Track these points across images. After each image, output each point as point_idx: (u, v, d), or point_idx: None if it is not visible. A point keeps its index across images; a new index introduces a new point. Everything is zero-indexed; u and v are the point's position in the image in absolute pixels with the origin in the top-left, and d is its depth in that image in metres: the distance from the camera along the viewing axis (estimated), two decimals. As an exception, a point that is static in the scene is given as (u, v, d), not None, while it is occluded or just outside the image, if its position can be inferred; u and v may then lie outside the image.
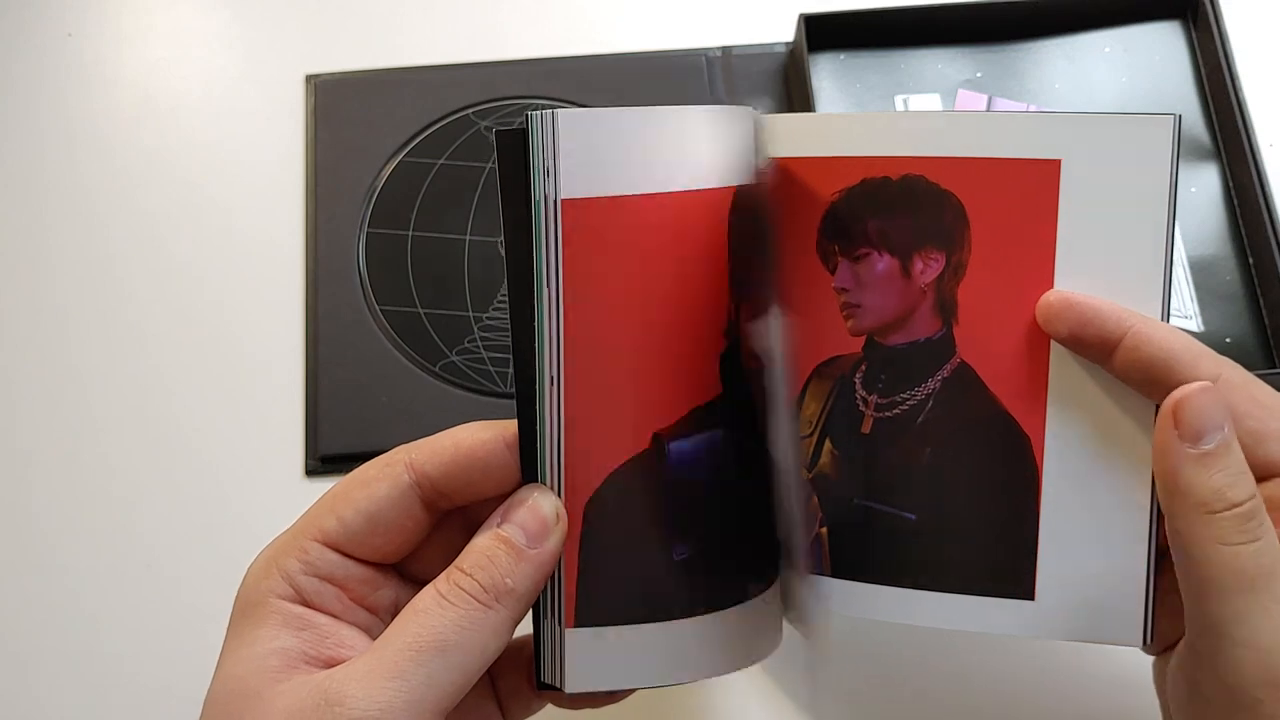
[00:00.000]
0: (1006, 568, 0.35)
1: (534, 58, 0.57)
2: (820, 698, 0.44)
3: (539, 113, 0.31)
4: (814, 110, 0.52)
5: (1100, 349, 0.34)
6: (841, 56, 0.55)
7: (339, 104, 0.56)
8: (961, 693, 0.44)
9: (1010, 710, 0.44)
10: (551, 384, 0.32)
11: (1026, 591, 0.35)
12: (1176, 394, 0.31)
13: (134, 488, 0.50)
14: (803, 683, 0.44)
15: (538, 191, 0.32)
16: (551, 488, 0.33)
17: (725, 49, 0.57)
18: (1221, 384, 0.32)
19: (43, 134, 0.57)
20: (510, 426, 0.33)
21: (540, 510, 0.32)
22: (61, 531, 0.49)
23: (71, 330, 0.53)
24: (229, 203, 0.55)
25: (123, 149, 0.56)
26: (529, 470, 0.33)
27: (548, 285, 0.32)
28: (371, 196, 0.54)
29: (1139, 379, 0.34)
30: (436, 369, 0.51)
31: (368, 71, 0.57)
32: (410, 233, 0.53)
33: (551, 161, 0.31)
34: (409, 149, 0.55)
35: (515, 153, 0.32)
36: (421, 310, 0.52)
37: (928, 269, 0.35)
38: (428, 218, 0.53)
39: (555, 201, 0.32)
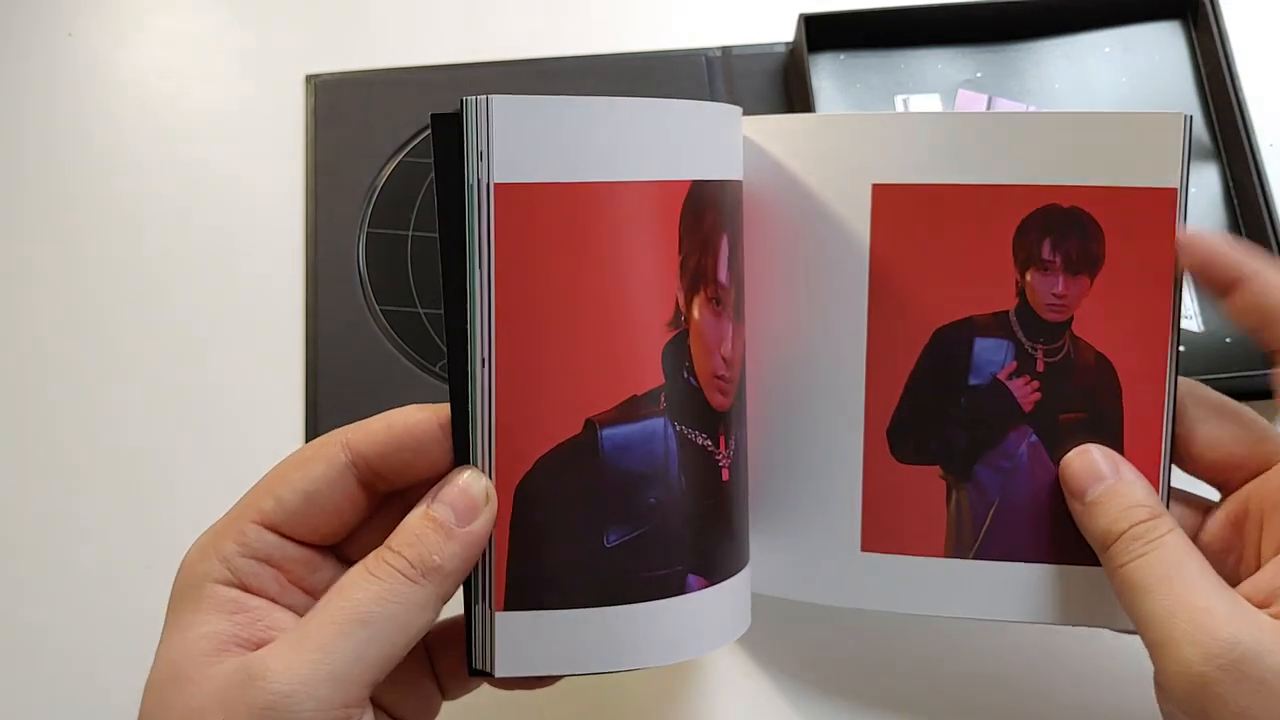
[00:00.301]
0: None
1: (533, 58, 0.57)
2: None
3: (474, 97, 0.32)
4: (814, 111, 0.52)
5: (1217, 288, 0.35)
6: (841, 56, 0.55)
7: (339, 104, 0.56)
8: (959, 688, 0.44)
9: (1011, 705, 0.44)
10: (483, 366, 0.33)
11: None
12: (1063, 461, 0.36)
13: (134, 488, 0.50)
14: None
15: (470, 175, 0.32)
16: (483, 469, 0.33)
17: (725, 49, 0.57)
18: None
19: (42, 134, 0.57)
20: (445, 409, 0.33)
21: (469, 490, 0.32)
22: (62, 531, 0.49)
23: (69, 330, 0.53)
24: (229, 202, 0.55)
25: (122, 149, 0.56)
26: (461, 452, 0.33)
27: (480, 268, 0.32)
28: (371, 196, 0.54)
29: (1250, 324, 0.35)
30: (436, 369, 0.51)
31: (368, 71, 0.57)
32: (410, 233, 0.53)
33: (485, 145, 0.32)
34: (409, 149, 0.55)
35: (450, 135, 0.32)
36: (421, 310, 0.52)
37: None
38: (428, 218, 0.53)
39: (488, 185, 0.32)
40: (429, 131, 0.55)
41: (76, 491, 0.50)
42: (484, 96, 0.32)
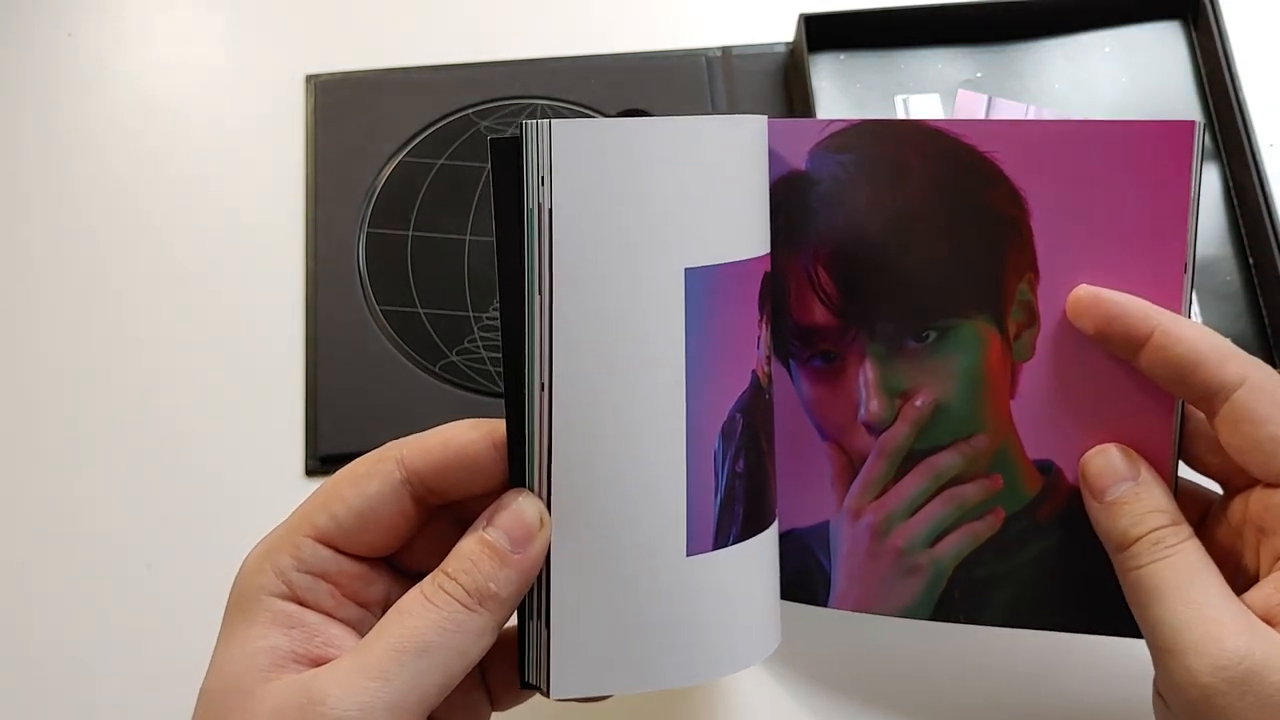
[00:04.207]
0: None
1: (534, 58, 0.57)
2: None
3: (534, 121, 0.32)
4: (814, 112, 0.52)
5: (1127, 345, 0.35)
6: (841, 56, 0.55)
7: (339, 104, 0.56)
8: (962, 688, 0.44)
9: (1014, 706, 0.44)
10: (541, 390, 0.32)
11: None
12: (1083, 459, 0.36)
13: (134, 487, 0.50)
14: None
15: (531, 200, 0.32)
16: (538, 493, 0.33)
17: (725, 49, 0.57)
18: (1248, 387, 0.33)
19: (43, 134, 0.57)
20: (498, 427, 0.33)
21: (524, 515, 0.32)
22: (62, 531, 0.49)
23: (71, 330, 0.53)
24: (229, 203, 0.55)
25: (122, 149, 0.56)
26: (516, 474, 0.33)
27: (539, 293, 0.32)
28: (371, 196, 0.54)
29: (1165, 377, 0.34)
30: (436, 369, 0.51)
31: (368, 71, 0.57)
32: (410, 233, 0.53)
33: (547, 171, 0.32)
34: (409, 149, 0.55)
35: (509, 161, 0.32)
36: (421, 310, 0.52)
37: None
38: (428, 218, 0.53)
39: (549, 210, 0.32)
40: (429, 132, 0.55)
41: (76, 491, 0.50)
42: (545, 121, 0.31)
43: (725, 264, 0.33)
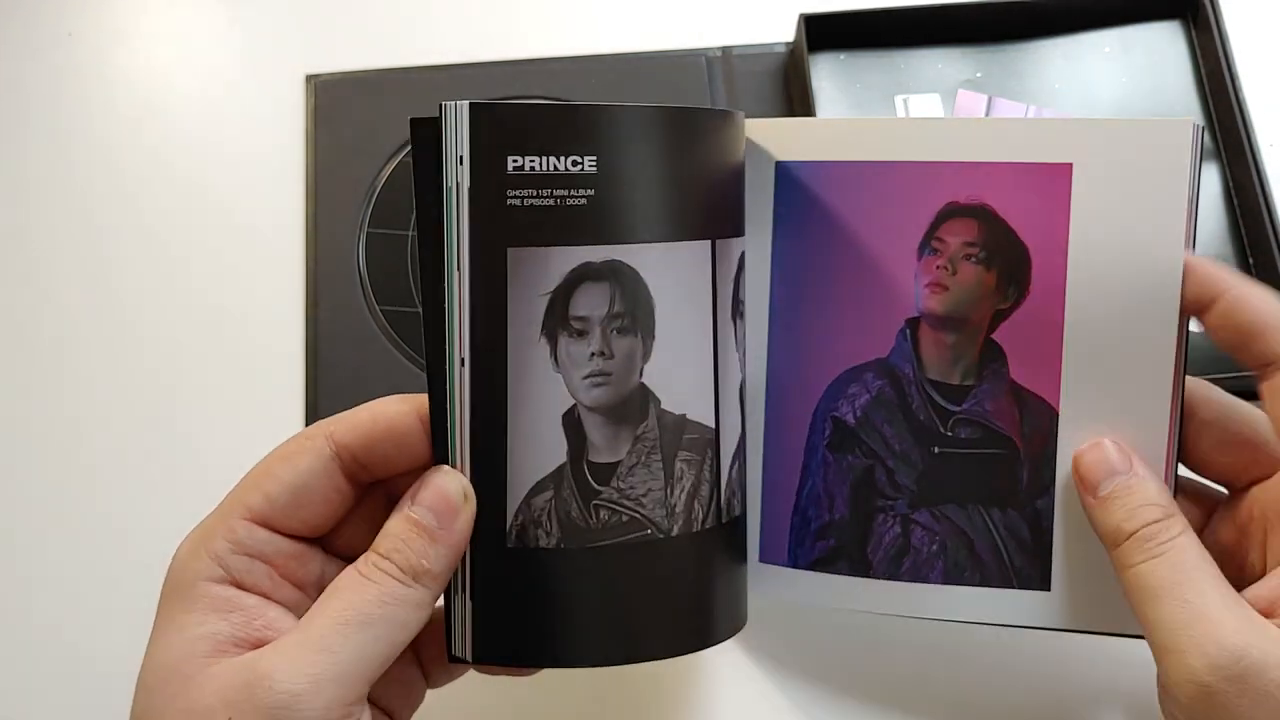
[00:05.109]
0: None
1: (534, 58, 0.57)
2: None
3: (452, 103, 0.32)
4: (814, 111, 0.52)
5: (1194, 306, 0.35)
6: (841, 56, 0.55)
7: (339, 104, 0.56)
8: (967, 689, 0.44)
9: (1017, 702, 0.44)
10: (461, 365, 0.33)
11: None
12: (1077, 453, 0.36)
13: (133, 487, 0.50)
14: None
15: (449, 179, 0.32)
16: (460, 467, 0.33)
17: (725, 49, 0.57)
18: None
19: (42, 134, 0.57)
20: (424, 401, 0.34)
21: (448, 492, 0.33)
22: (62, 531, 0.49)
23: (71, 330, 0.53)
24: (229, 203, 0.55)
25: (122, 149, 0.56)
26: (440, 448, 0.33)
27: (459, 270, 0.33)
28: (371, 196, 0.54)
29: (1228, 341, 0.34)
30: (436, 369, 0.51)
31: (368, 71, 0.57)
32: (410, 233, 0.53)
33: (465, 151, 0.32)
34: (409, 149, 0.55)
35: (429, 141, 0.33)
36: (421, 310, 0.52)
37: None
38: (428, 218, 0.53)
39: (466, 189, 0.32)
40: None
41: (75, 491, 0.50)
42: (463, 102, 0.32)
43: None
